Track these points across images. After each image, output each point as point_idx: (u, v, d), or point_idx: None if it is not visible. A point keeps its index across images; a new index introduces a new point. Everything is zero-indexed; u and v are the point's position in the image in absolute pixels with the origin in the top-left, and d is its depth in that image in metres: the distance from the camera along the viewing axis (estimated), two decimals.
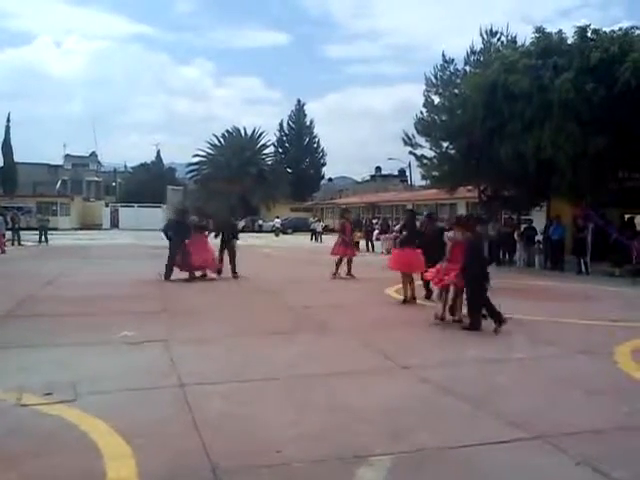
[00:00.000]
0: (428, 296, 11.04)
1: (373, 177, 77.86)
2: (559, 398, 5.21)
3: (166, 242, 13.94)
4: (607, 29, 16.80)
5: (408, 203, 42.98)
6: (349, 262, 14.95)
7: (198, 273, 13.97)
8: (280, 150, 70.43)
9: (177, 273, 13.73)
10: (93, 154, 76.66)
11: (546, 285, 14.23)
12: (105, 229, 49.86)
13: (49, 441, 4.05)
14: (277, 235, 43.52)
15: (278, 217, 47.93)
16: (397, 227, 11.14)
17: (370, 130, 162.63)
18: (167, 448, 3.93)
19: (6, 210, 30.17)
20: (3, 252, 22.18)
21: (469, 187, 23.50)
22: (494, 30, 21.70)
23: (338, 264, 14.86)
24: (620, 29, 16.61)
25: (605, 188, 17.10)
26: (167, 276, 13.50)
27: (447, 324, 8.62)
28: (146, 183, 61.07)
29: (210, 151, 62.23)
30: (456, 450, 3.99)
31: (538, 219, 21.26)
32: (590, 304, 11.37)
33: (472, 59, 21.81)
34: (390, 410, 4.80)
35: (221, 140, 62.53)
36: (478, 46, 21.82)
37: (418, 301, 10.75)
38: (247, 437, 4.16)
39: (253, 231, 49.35)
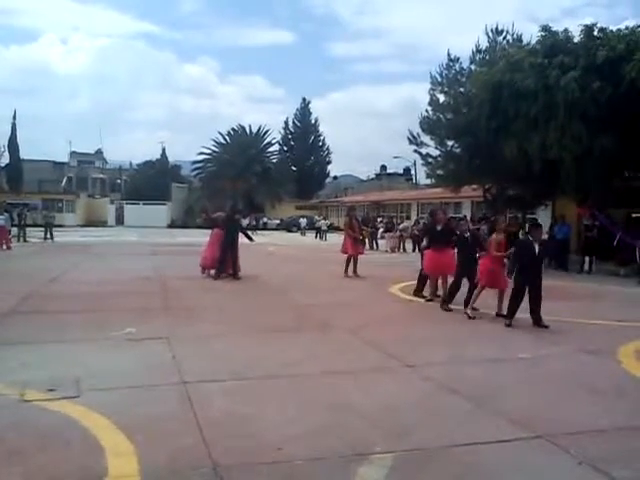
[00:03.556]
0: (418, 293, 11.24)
1: (378, 175, 77.71)
2: (562, 398, 5.20)
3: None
4: (614, 28, 16.73)
5: (413, 202, 42.96)
6: (355, 261, 14.91)
7: (212, 272, 13.84)
8: (285, 148, 70.42)
9: (179, 271, 13.74)
10: (98, 151, 76.85)
11: (550, 284, 14.08)
12: (110, 226, 49.96)
13: (51, 437, 4.07)
14: (322, 238, 37.10)
15: (325, 218, 43.76)
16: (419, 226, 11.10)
17: (375, 128, 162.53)
18: (168, 445, 3.94)
19: (12, 207, 30.27)
20: (9, 248, 22.27)
21: (474, 186, 23.47)
22: (500, 29, 21.62)
23: (347, 262, 14.76)
24: (627, 27, 16.51)
25: (610, 187, 17.04)
26: (218, 274, 13.46)
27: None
28: (151, 180, 61.10)
29: (215, 149, 62.19)
30: (457, 449, 3.99)
31: (543, 218, 21.22)
32: (594, 303, 11.34)
33: (478, 58, 21.70)
34: (392, 408, 4.80)
35: (226, 138, 62.47)
36: (484, 45, 21.74)
37: (421, 300, 10.79)
38: (248, 434, 4.17)
39: (257, 229, 49.43)
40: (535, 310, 8.45)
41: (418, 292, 11.26)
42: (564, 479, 3.69)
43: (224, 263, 13.61)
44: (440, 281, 10.53)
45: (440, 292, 10.49)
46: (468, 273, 9.52)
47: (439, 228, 10.53)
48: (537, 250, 8.44)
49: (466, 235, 9.73)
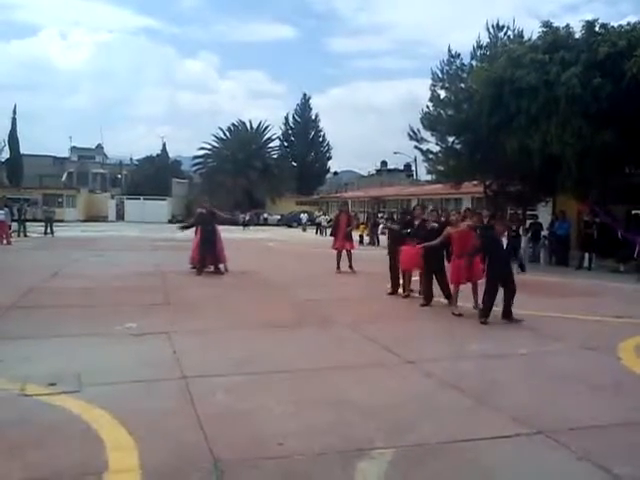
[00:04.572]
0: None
1: (379, 171, 77.59)
2: (562, 393, 5.21)
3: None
4: (615, 24, 16.69)
5: (413, 198, 42.86)
6: (349, 255, 14.87)
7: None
8: (285, 144, 70.30)
9: (179, 267, 13.74)
10: (99, 146, 76.80)
11: (551, 281, 14.18)
12: (111, 221, 49.91)
13: (52, 431, 4.07)
14: (322, 233, 36.56)
15: (325, 214, 43.25)
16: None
17: (376, 124, 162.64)
18: (169, 440, 3.94)
19: (12, 202, 30.25)
20: (9, 243, 22.27)
21: (474, 182, 23.42)
22: (501, 24, 21.53)
23: (338, 258, 14.82)
24: (628, 24, 16.46)
25: (611, 184, 17.02)
26: (200, 270, 13.42)
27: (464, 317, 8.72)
28: (152, 176, 61.00)
29: (216, 144, 62.18)
30: (458, 444, 3.99)
31: (544, 215, 21.20)
32: (594, 300, 11.33)
33: (479, 53, 21.62)
34: (392, 404, 4.80)
35: (227, 133, 62.47)
36: (485, 40, 21.64)
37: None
38: (249, 430, 4.17)
39: (258, 224, 49.37)
40: (507, 303, 8.32)
41: (396, 288, 11.15)
42: (565, 475, 3.69)
43: (203, 259, 13.57)
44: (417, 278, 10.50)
45: (413, 288, 10.57)
46: (434, 268, 9.50)
47: (416, 224, 10.53)
48: (504, 244, 8.35)
49: (428, 229, 9.62)
